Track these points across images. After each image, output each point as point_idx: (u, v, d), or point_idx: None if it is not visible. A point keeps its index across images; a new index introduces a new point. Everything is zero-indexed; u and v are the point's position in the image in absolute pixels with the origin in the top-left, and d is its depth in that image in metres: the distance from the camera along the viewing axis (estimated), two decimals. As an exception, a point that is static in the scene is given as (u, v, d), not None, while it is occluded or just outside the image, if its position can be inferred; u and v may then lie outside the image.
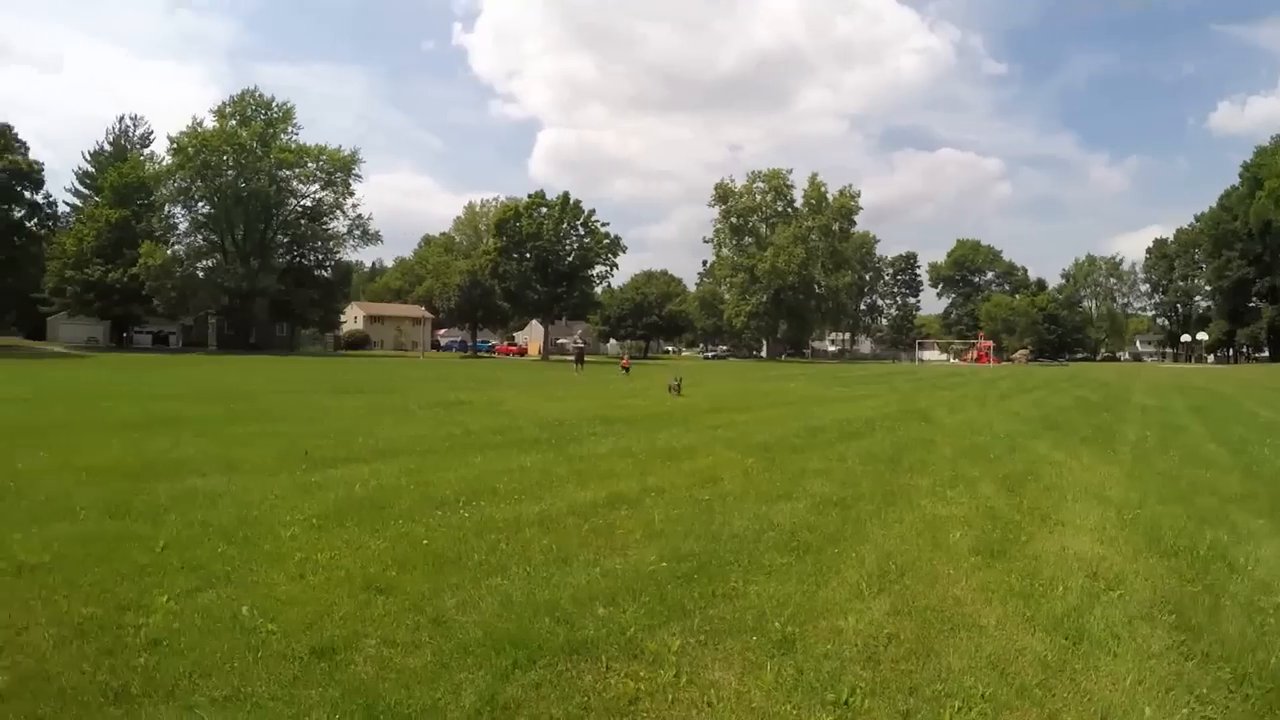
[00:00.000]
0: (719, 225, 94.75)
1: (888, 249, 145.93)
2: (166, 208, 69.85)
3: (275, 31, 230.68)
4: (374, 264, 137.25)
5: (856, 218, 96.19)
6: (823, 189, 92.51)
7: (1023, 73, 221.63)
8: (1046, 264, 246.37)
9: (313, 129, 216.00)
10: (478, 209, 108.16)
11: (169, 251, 66.48)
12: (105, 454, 7.98)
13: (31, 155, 57.76)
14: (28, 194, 57.15)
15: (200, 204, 68.37)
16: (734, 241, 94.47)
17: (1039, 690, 3.02)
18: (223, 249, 68.91)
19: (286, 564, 4.29)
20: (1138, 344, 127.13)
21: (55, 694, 2.78)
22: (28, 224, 58.45)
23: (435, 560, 4.37)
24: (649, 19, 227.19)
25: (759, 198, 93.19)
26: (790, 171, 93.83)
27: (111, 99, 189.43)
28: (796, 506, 6.03)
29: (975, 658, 3.27)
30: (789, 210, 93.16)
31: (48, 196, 61.03)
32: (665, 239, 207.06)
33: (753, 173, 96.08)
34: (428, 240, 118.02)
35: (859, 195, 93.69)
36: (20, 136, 57.57)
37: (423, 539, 4.78)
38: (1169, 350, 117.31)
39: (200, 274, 66.37)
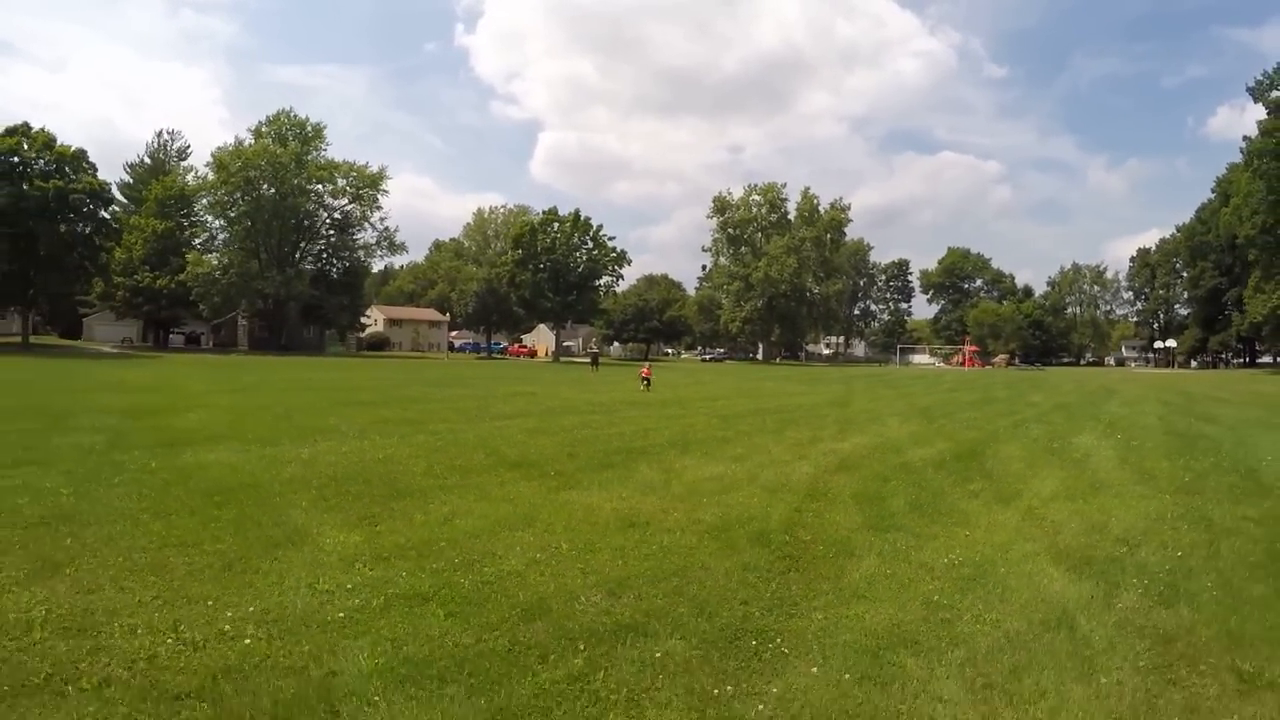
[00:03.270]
0: (717, 235, 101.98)
1: (887, 252, 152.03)
2: (208, 218, 77.11)
3: (275, 32, 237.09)
4: (385, 267, 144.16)
5: (851, 224, 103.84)
6: (815, 201, 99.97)
7: (1024, 75, 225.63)
8: (1049, 268, 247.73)
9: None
10: (485, 215, 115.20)
11: (210, 259, 73.57)
12: (386, 413, 14.94)
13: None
14: (101, 212, 63.77)
15: (239, 215, 74.96)
16: (731, 251, 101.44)
17: (805, 486, 10.03)
18: (259, 256, 75.50)
19: (561, 452, 11.24)
20: (1124, 349, 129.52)
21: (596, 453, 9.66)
22: (96, 239, 65.02)
23: (627, 451, 11.36)
24: (651, 22, 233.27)
25: (755, 210, 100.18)
26: (784, 186, 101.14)
27: (114, 97, 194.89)
28: (726, 433, 13.28)
29: (777, 475, 10.21)
30: (783, 221, 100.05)
31: (114, 212, 67.88)
32: (666, 240, 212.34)
33: (749, 186, 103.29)
34: (438, 245, 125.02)
35: (849, 208, 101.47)
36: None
37: (598, 440, 11.82)
38: (1150, 356, 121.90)
39: (239, 280, 72.74)
